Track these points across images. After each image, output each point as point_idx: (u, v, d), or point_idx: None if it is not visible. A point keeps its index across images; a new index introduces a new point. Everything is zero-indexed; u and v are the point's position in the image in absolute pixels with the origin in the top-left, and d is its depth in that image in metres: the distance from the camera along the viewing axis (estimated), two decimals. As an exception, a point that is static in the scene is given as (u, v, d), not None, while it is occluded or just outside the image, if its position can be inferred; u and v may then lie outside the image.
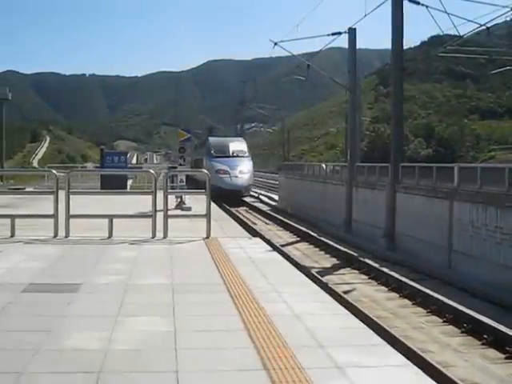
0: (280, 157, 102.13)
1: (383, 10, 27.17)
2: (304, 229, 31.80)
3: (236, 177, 46.38)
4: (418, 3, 25.52)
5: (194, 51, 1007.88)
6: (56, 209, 14.68)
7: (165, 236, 14.58)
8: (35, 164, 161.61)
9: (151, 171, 15.84)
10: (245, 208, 46.07)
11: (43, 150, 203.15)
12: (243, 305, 8.08)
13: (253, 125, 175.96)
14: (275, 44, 34.95)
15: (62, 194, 14.76)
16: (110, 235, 14.61)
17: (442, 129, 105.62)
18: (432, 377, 6.01)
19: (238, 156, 49.22)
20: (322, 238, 28.05)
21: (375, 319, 13.91)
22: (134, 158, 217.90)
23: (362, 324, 7.51)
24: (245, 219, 36.51)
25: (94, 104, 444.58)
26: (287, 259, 21.93)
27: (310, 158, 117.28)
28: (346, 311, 8.21)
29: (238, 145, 51.92)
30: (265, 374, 5.55)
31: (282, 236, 31.28)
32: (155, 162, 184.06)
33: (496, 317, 14.15)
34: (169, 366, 5.74)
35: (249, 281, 9.62)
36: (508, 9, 24.91)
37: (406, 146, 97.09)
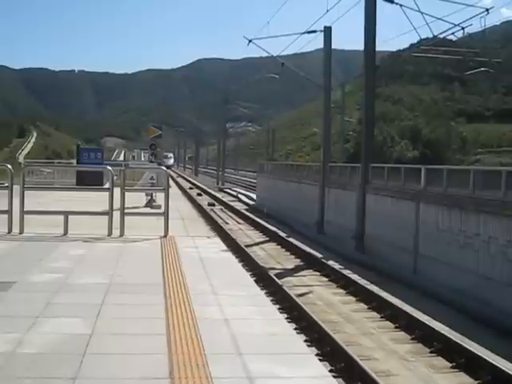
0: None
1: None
2: (274, 229, 31.53)
3: None
4: (392, 2, 25.28)
5: (185, 49, 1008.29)
6: (10, 204, 14.29)
7: (121, 234, 14.23)
8: (21, 159, 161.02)
9: (109, 168, 15.45)
10: (220, 207, 45.81)
11: (30, 145, 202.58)
12: (174, 307, 7.76)
13: (241, 124, 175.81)
14: (250, 41, 34.58)
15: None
16: (66, 232, 14.24)
17: (428, 131, 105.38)
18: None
19: None
20: (290, 239, 27.75)
21: (321, 324, 13.58)
22: (122, 154, 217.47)
23: (293, 331, 7.20)
24: (217, 218, 36.25)
25: (82, 100, 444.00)
26: (246, 260, 21.99)
27: (297, 159, 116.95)
28: (280, 316, 7.90)
29: None
30: (167, 384, 5.24)
31: (250, 236, 30.94)
32: (143, 159, 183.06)
33: (454, 323, 13.90)
34: (68, 373, 5.40)
35: (190, 282, 9.31)
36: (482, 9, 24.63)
37: (392, 147, 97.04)
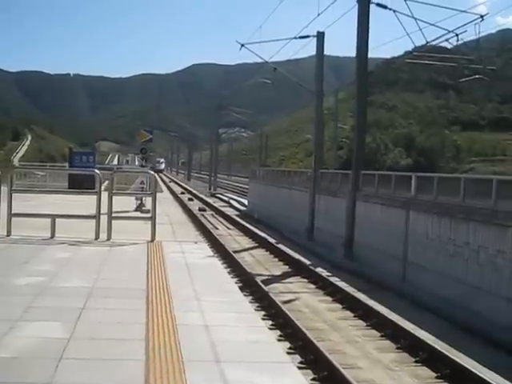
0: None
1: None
2: (264, 235, 31.44)
3: None
4: (386, 7, 25.27)
5: (180, 54, 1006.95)
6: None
7: (108, 238, 14.16)
8: (16, 162, 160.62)
9: (96, 171, 15.40)
10: (211, 212, 45.66)
11: (25, 148, 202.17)
12: (155, 313, 7.68)
13: (235, 130, 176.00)
14: (242, 46, 34.45)
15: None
16: (53, 235, 14.16)
17: (422, 139, 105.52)
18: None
19: None
20: (279, 245, 27.66)
21: (305, 331, 13.48)
22: (116, 159, 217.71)
23: (274, 339, 7.13)
24: (207, 223, 36.14)
25: (77, 104, 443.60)
26: (233, 266, 21.92)
27: (290, 165, 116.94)
28: (263, 323, 7.83)
29: None
30: (141, 391, 5.16)
31: (240, 241, 30.78)
32: (136, 163, 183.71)
33: (441, 333, 13.82)
34: (42, 378, 5.33)
35: (174, 287, 9.23)
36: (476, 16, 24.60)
37: (386, 155, 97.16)
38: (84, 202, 17.18)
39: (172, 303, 8.24)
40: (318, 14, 29.94)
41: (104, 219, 14.36)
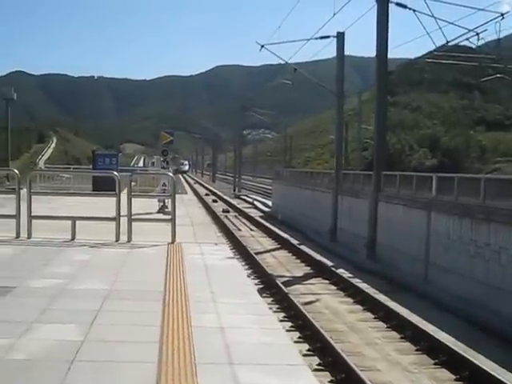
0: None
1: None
2: (287, 236, 31.39)
3: None
4: (405, 7, 25.14)
5: (203, 56, 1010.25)
6: (17, 209, 14.29)
7: (129, 240, 14.17)
8: (41, 165, 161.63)
9: (115, 173, 15.41)
10: (235, 214, 45.76)
11: (50, 150, 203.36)
12: (171, 315, 7.66)
13: (260, 131, 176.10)
14: (262, 46, 34.39)
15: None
16: (73, 237, 14.20)
17: (447, 139, 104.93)
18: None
19: None
20: (302, 247, 27.59)
21: (324, 333, 13.42)
22: (141, 160, 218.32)
23: (289, 341, 7.07)
24: (230, 225, 36.18)
25: (101, 106, 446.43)
26: (255, 267, 21.90)
27: (315, 166, 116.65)
28: (279, 325, 7.77)
29: None
30: (152, 393, 5.14)
31: (262, 243, 30.77)
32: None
33: (461, 334, 13.70)
34: (53, 380, 5.33)
35: (191, 289, 9.20)
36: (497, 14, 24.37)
37: (411, 156, 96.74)
38: (106, 204, 17.26)
39: (188, 305, 8.21)
40: (334, 14, 29.88)
41: (125, 221, 14.38)
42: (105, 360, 5.97)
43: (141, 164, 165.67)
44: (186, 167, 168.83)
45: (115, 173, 15.58)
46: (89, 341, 6.51)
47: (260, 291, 16.77)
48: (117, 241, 14.17)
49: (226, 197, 64.68)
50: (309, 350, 12.57)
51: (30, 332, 6.78)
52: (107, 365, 5.83)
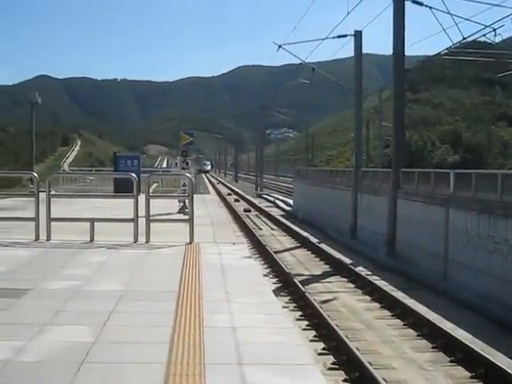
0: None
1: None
2: (306, 234, 31.37)
3: None
4: (422, 4, 25.00)
5: (225, 57, 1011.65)
6: (37, 211, 14.38)
7: (147, 241, 14.19)
8: (65, 167, 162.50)
9: (132, 175, 15.44)
10: (256, 213, 45.80)
11: (74, 153, 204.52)
12: (184, 315, 7.64)
13: (282, 130, 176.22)
14: (279, 47, 34.38)
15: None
16: (92, 239, 14.26)
17: (469, 135, 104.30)
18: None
19: None
20: (321, 245, 27.54)
21: (339, 331, 13.36)
22: (165, 162, 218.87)
23: (301, 341, 7.04)
24: (251, 224, 36.22)
25: (125, 108, 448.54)
26: (273, 266, 21.90)
27: (337, 164, 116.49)
28: (291, 324, 7.74)
29: None
30: (159, 394, 5.13)
31: (282, 241, 30.72)
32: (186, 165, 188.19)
33: (479, 331, 13.58)
34: (61, 382, 5.33)
35: (205, 289, 9.18)
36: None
37: (433, 152, 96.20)
38: (127, 205, 17.34)
39: (202, 305, 8.20)
40: (348, 13, 29.83)
41: (144, 222, 14.40)
42: (114, 361, 5.96)
43: (164, 165, 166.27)
44: (209, 167, 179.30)
45: (133, 174, 15.58)
46: (100, 342, 6.51)
47: (276, 290, 16.83)
48: (135, 242, 14.20)
49: (248, 196, 64.73)
50: (324, 349, 12.56)
51: (41, 334, 6.79)
52: (116, 366, 5.83)
